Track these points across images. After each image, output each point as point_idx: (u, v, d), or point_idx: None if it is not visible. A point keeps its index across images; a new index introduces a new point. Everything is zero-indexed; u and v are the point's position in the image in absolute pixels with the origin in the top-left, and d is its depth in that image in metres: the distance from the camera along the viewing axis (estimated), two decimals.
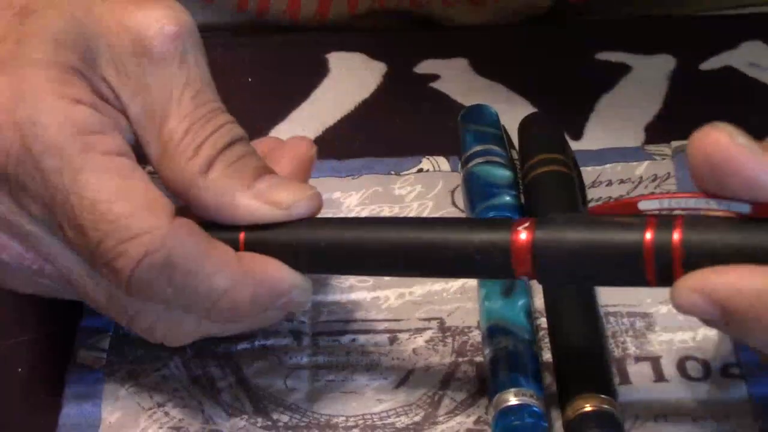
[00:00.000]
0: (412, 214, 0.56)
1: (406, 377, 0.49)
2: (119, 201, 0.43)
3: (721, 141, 0.38)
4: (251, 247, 0.45)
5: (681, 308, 0.40)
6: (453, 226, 0.45)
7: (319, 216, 0.46)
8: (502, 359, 0.47)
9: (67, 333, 0.51)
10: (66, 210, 0.43)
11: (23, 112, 0.43)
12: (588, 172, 0.57)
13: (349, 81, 0.64)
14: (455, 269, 0.45)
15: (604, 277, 0.43)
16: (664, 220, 0.40)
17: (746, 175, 0.38)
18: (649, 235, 0.40)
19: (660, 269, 0.40)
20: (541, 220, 0.42)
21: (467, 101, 0.61)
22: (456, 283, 0.52)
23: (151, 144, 0.45)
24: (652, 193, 0.41)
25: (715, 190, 0.39)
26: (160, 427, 0.47)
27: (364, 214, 0.55)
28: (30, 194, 0.43)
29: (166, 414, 0.48)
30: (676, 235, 0.40)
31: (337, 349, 0.50)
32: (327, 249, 0.45)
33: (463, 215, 0.55)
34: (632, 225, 0.41)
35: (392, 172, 0.58)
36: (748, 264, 0.39)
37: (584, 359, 0.47)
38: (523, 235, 0.42)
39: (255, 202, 0.44)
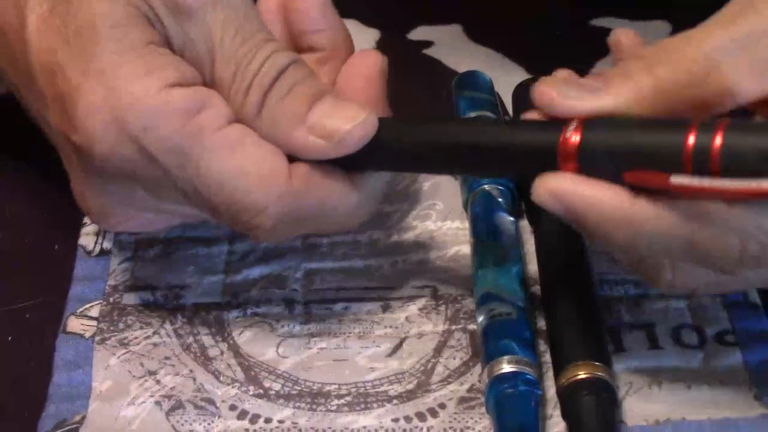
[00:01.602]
0: (405, 182, 0.55)
1: (398, 345, 0.49)
2: (239, 179, 0.44)
3: (542, 89, 0.43)
4: None
5: (538, 203, 0.42)
6: (499, 125, 0.46)
7: None
8: (496, 327, 0.47)
9: (57, 301, 0.51)
10: (197, 196, 0.44)
11: (132, 120, 0.43)
12: None
13: None
14: (503, 163, 0.44)
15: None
16: (706, 124, 0.40)
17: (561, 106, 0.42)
18: (691, 140, 0.40)
19: (698, 170, 0.40)
20: (589, 121, 0.42)
21: (461, 68, 0.61)
22: (449, 251, 0.52)
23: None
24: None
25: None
26: (152, 396, 0.47)
27: None
28: (162, 187, 0.45)
29: (158, 382, 0.47)
30: (718, 140, 0.40)
31: (329, 317, 0.50)
32: (391, 148, 0.45)
33: (456, 183, 0.55)
34: (677, 125, 0.41)
35: None
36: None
37: (578, 327, 0.47)
38: (574, 136, 0.42)
39: (310, 137, 0.44)
